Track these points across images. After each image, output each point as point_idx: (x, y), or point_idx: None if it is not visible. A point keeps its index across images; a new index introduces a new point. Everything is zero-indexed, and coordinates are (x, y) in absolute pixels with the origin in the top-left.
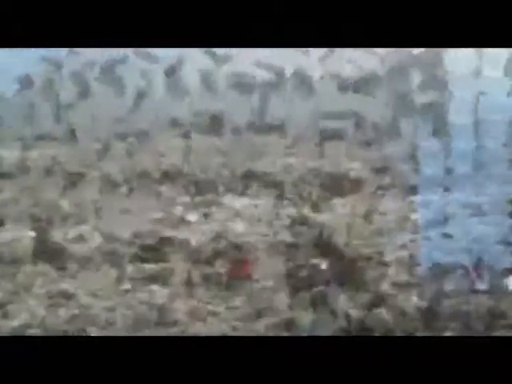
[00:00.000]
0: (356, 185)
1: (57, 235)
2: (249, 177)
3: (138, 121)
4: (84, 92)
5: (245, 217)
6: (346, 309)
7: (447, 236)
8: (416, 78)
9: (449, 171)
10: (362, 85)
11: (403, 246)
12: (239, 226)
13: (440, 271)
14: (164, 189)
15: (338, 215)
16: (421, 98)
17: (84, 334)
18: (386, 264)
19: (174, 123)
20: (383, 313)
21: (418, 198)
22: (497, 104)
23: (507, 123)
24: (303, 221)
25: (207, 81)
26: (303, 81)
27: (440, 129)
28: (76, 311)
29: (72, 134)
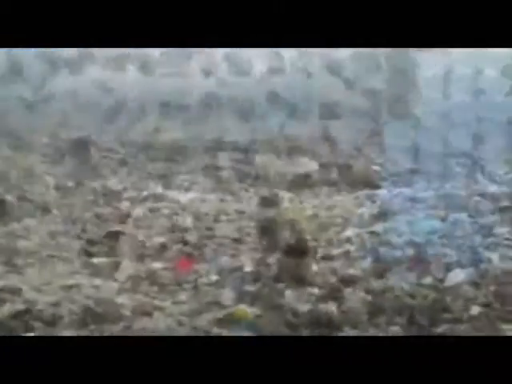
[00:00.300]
0: (303, 179)
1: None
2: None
3: None
4: None
5: (191, 211)
6: (293, 304)
7: (393, 230)
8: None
9: (396, 166)
10: None
11: (349, 240)
12: (186, 221)
13: (385, 265)
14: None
15: (284, 210)
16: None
17: (29, 331)
18: (332, 258)
19: None
20: (330, 307)
21: (364, 193)
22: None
23: (448, 124)
24: (249, 216)
25: None
26: None
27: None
28: (21, 306)
29: None
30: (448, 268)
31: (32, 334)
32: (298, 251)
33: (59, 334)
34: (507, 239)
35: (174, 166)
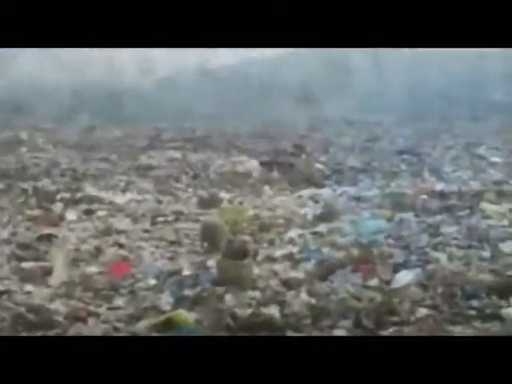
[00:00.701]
0: (243, 179)
1: None
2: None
3: None
4: None
5: (128, 213)
6: (232, 308)
7: (337, 231)
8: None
9: (340, 165)
10: None
11: (292, 242)
12: (122, 223)
13: (329, 267)
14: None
15: (225, 210)
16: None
17: None
18: (274, 260)
19: None
20: (271, 311)
21: (307, 192)
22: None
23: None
24: (187, 217)
25: None
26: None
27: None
28: None
29: None
30: (395, 269)
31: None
32: (239, 253)
33: None
34: (455, 239)
35: (109, 166)
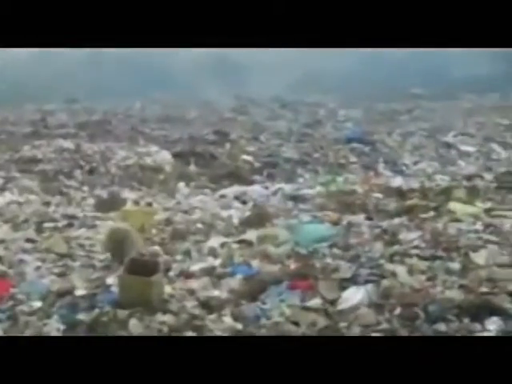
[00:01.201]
0: (152, 174)
1: None
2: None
3: None
4: None
5: (6, 218)
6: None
7: (270, 238)
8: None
9: (273, 156)
10: None
11: (213, 253)
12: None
13: (260, 283)
14: None
15: (128, 214)
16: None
17: None
18: (190, 276)
19: None
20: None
21: (232, 190)
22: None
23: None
24: (82, 223)
25: None
26: None
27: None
28: None
29: None
30: (341, 286)
31: None
32: (146, 268)
33: None
34: (416, 247)
35: None
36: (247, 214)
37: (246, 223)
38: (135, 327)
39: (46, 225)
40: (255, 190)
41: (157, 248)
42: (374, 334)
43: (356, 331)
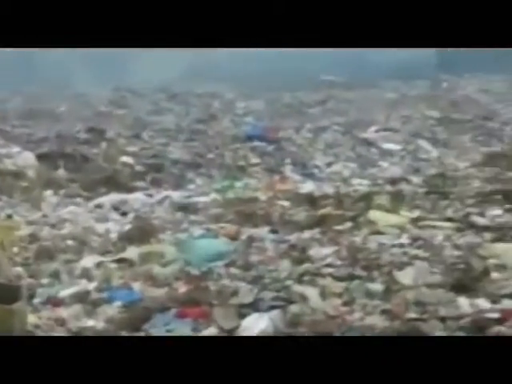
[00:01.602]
0: (13, 180)
1: None
2: None
3: None
4: None
5: None
6: None
7: (155, 256)
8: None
9: (158, 158)
10: None
11: (87, 274)
12: None
13: (143, 311)
14: None
15: None
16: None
17: None
18: (59, 304)
19: None
20: None
21: (109, 199)
22: None
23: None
24: None
25: None
26: None
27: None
28: None
29: None
30: (241, 313)
31: None
32: (6, 294)
33: None
34: (330, 266)
35: None
36: (127, 227)
37: (127, 238)
38: None
39: None
40: (137, 199)
41: (19, 269)
42: None
43: None
